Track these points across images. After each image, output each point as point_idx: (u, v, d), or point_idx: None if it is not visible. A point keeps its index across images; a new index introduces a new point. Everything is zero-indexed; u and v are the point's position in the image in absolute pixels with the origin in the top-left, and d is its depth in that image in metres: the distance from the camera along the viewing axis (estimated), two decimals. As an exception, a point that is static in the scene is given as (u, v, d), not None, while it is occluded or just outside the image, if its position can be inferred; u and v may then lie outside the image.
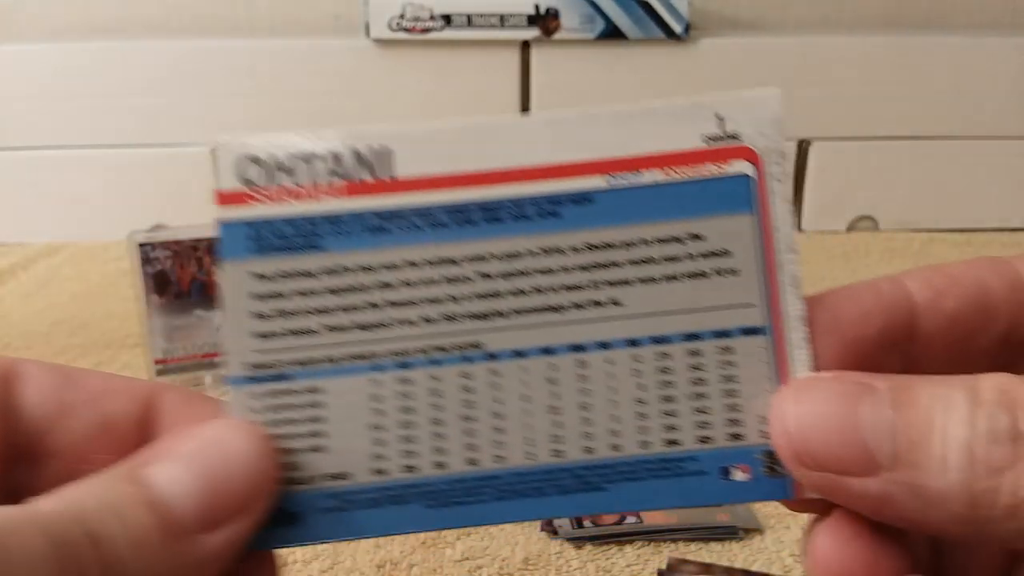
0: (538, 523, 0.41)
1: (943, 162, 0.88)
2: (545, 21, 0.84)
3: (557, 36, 0.84)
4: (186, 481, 0.15)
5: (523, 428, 0.17)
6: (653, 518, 0.41)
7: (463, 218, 0.17)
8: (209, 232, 0.57)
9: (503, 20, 0.84)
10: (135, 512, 0.14)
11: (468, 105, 0.87)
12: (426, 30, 0.84)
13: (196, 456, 0.15)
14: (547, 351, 0.17)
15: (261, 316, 0.17)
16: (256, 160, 0.17)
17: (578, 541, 0.39)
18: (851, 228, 0.90)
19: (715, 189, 0.17)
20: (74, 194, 0.89)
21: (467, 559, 0.39)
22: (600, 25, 0.84)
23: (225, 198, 0.17)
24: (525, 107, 0.88)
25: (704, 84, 0.85)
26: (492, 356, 0.17)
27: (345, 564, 0.38)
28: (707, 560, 0.38)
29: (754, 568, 0.38)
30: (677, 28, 0.84)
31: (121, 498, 0.14)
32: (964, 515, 0.14)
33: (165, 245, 0.56)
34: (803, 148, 0.87)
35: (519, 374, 0.17)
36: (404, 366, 0.17)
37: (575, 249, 0.17)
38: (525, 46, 0.86)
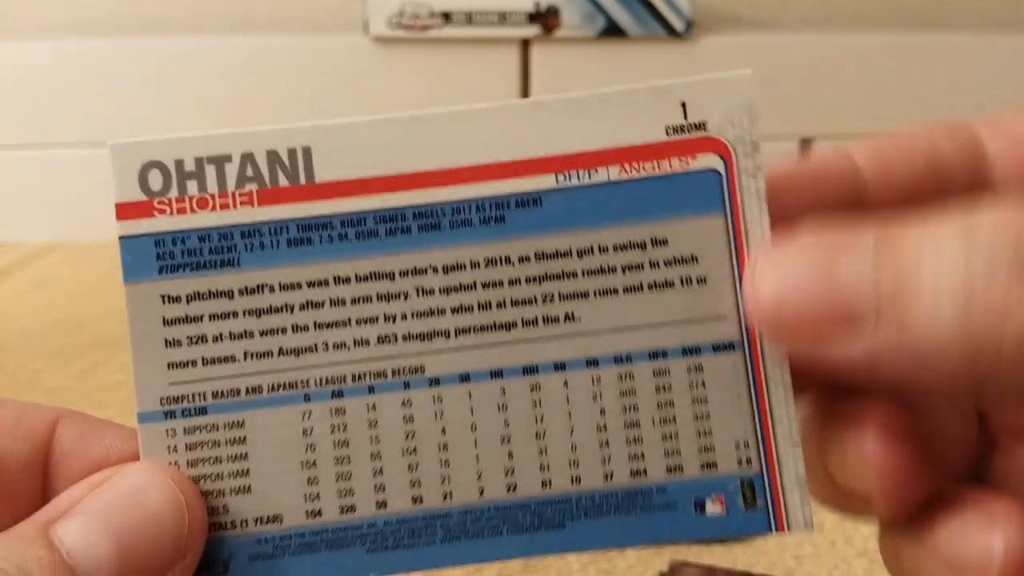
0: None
1: (945, 161, 0.88)
2: (545, 19, 0.83)
3: (557, 34, 0.83)
4: (102, 542, 0.13)
5: (472, 461, 0.16)
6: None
7: (396, 226, 0.15)
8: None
9: (503, 18, 0.83)
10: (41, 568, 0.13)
11: (468, 103, 0.87)
12: (425, 28, 0.83)
13: (112, 512, 0.14)
14: (496, 374, 0.16)
15: (173, 343, 0.16)
16: (158, 165, 0.15)
17: (579, 543, 0.39)
18: (853, 227, 0.90)
19: (680, 187, 0.15)
20: (71, 193, 0.89)
21: (466, 561, 0.38)
22: (601, 23, 0.84)
23: (126, 210, 0.15)
24: (525, 105, 0.87)
25: (705, 82, 0.84)
26: (435, 381, 0.16)
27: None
28: (709, 562, 0.38)
29: (756, 570, 0.38)
30: (679, 26, 0.83)
31: (33, 564, 0.13)
32: (964, 369, 0.12)
33: (162, 244, 0.55)
34: (805, 147, 0.87)
35: (466, 400, 0.16)
36: (337, 395, 0.15)
37: (523, 259, 0.15)
38: (525, 44, 0.85)
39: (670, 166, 0.15)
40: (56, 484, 0.16)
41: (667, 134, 0.16)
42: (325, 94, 0.87)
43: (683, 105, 0.16)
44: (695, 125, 0.15)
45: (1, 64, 0.86)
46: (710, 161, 0.15)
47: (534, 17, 0.83)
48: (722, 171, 0.15)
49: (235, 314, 0.15)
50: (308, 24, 0.87)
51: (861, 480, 0.15)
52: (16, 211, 0.89)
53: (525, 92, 0.87)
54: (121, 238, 0.16)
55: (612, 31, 0.84)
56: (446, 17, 0.83)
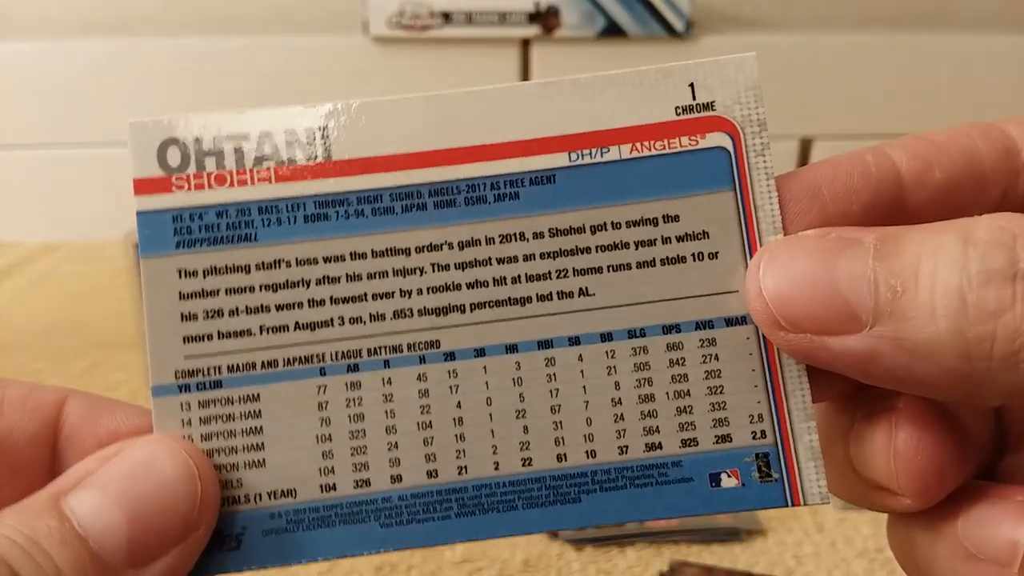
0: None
1: (945, 161, 0.88)
2: (545, 19, 0.83)
3: (557, 34, 0.83)
4: (113, 513, 0.13)
5: (487, 435, 0.16)
6: (655, 520, 0.40)
7: (412, 203, 0.15)
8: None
9: (503, 18, 0.83)
10: (59, 551, 0.13)
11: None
12: (425, 28, 0.83)
13: (123, 482, 0.14)
14: (511, 348, 0.16)
15: (189, 317, 0.15)
16: (176, 143, 0.16)
17: (579, 543, 0.39)
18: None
19: (690, 164, 0.16)
20: (71, 193, 0.89)
21: (466, 561, 0.38)
22: (601, 23, 0.84)
23: (143, 186, 0.16)
24: (525, 105, 0.87)
25: (705, 82, 0.84)
26: (450, 355, 0.16)
27: (344, 566, 0.37)
28: (709, 562, 0.38)
29: (756, 571, 0.38)
30: (679, 26, 0.83)
31: (43, 534, 0.13)
32: (957, 368, 0.13)
33: (162, 244, 0.55)
34: (806, 147, 0.87)
35: (481, 375, 0.16)
36: (352, 369, 0.15)
37: (538, 235, 0.16)
38: (525, 44, 0.85)
39: (680, 144, 0.16)
40: (66, 460, 0.16)
41: (676, 114, 0.16)
42: (325, 94, 0.86)
43: (691, 86, 0.16)
44: (703, 105, 0.16)
45: (1, 64, 0.86)
46: (719, 140, 0.16)
47: (534, 17, 0.83)
48: (731, 149, 0.16)
49: (252, 288, 0.15)
50: (308, 24, 0.87)
51: (889, 473, 0.15)
52: (16, 211, 0.89)
53: (525, 92, 0.87)
54: (139, 213, 0.16)
55: (612, 31, 0.84)
56: (446, 17, 0.83)
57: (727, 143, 0.16)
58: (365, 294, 0.15)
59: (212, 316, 0.15)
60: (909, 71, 0.87)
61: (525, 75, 0.87)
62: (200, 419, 0.15)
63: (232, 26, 0.87)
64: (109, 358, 0.60)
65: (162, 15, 0.87)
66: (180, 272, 0.15)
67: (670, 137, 0.16)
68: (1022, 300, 0.13)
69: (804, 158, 0.87)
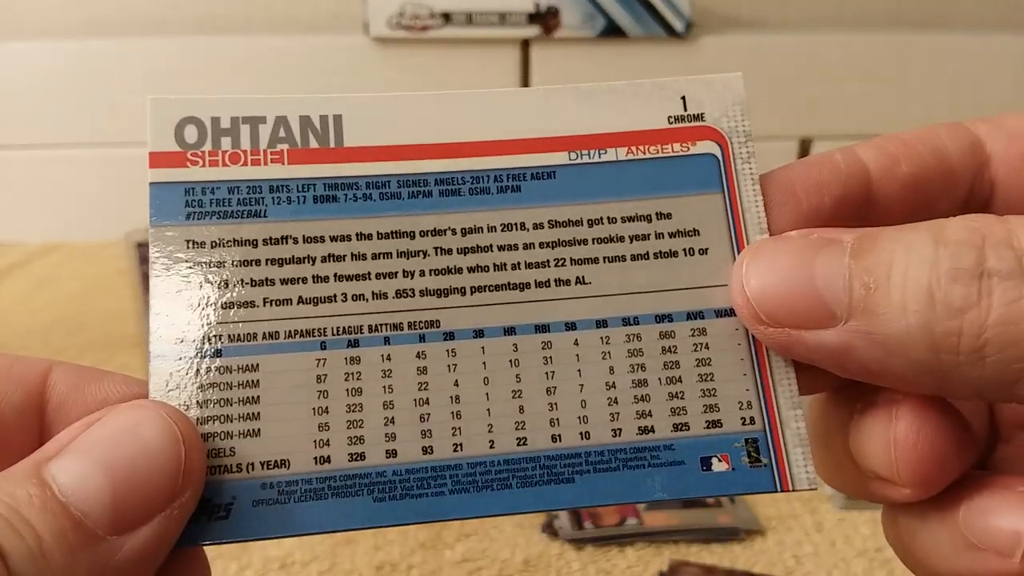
0: (538, 524, 0.40)
1: (945, 161, 0.88)
2: (545, 19, 0.83)
3: (557, 34, 0.84)
4: (96, 478, 0.13)
5: (483, 414, 0.16)
6: (654, 520, 0.40)
7: (419, 190, 0.16)
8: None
9: (503, 18, 0.83)
10: (40, 518, 0.13)
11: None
12: (425, 28, 0.83)
13: (106, 447, 0.14)
14: (509, 331, 0.16)
15: (195, 286, 0.16)
16: (195, 121, 0.16)
17: (578, 543, 0.39)
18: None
19: (682, 168, 0.17)
20: (71, 193, 0.89)
21: (466, 561, 0.38)
22: (601, 23, 0.84)
23: (159, 159, 0.16)
24: (525, 105, 0.87)
25: (705, 82, 0.84)
26: (450, 335, 0.16)
27: (344, 566, 0.38)
28: (709, 562, 0.38)
29: (756, 570, 0.38)
30: (678, 26, 0.83)
31: (23, 502, 0.13)
32: (927, 362, 0.14)
33: (163, 244, 0.55)
34: (805, 147, 0.87)
35: (479, 355, 0.16)
36: (353, 344, 0.16)
37: (537, 225, 0.16)
38: (525, 44, 0.85)
39: (672, 150, 0.17)
40: (53, 430, 0.15)
41: (669, 122, 0.17)
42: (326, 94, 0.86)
43: (683, 99, 0.17)
44: (694, 116, 0.17)
45: (1, 64, 0.86)
46: (708, 147, 0.17)
47: (534, 17, 0.83)
48: (719, 156, 0.17)
49: (258, 262, 0.16)
50: (308, 24, 0.87)
51: (889, 464, 0.15)
52: (16, 211, 0.89)
53: (525, 92, 0.87)
54: (152, 184, 0.16)
55: (612, 31, 0.84)
56: (446, 17, 0.83)
57: (716, 150, 0.17)
58: (368, 273, 0.16)
59: (217, 287, 0.16)
60: (909, 71, 0.87)
61: (525, 75, 0.87)
62: (197, 385, 0.15)
63: (232, 26, 0.87)
64: (109, 358, 0.60)
65: (162, 15, 0.87)
66: (188, 243, 0.16)
67: (664, 143, 0.17)
68: (987, 297, 0.13)
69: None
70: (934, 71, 0.87)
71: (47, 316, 0.69)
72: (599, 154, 0.16)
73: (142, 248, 0.55)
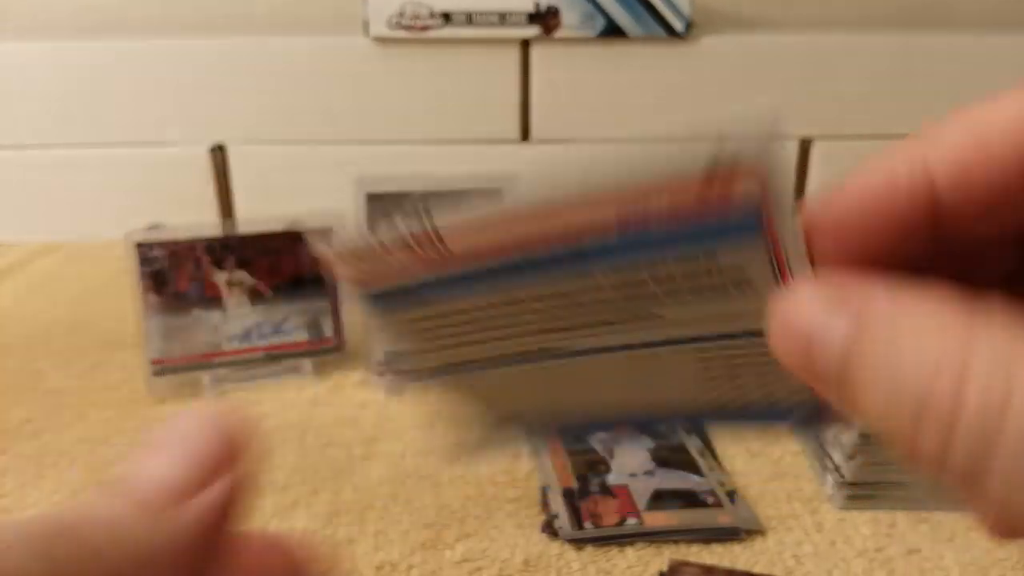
0: (538, 525, 0.40)
1: (945, 161, 0.88)
2: (545, 19, 0.83)
3: (557, 34, 0.84)
4: (159, 459, 0.15)
5: (605, 389, 0.22)
6: (654, 520, 0.40)
7: (514, 272, 0.20)
8: (206, 232, 0.57)
9: (503, 18, 0.83)
10: (105, 498, 0.15)
11: (468, 104, 0.87)
12: (425, 28, 0.83)
13: (169, 439, 0.16)
14: (604, 350, 0.21)
15: (401, 340, 0.22)
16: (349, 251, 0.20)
17: (578, 543, 0.39)
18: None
19: (723, 213, 0.18)
20: (72, 193, 0.89)
21: (466, 561, 0.38)
22: (601, 23, 0.84)
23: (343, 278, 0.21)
24: (525, 106, 0.87)
25: (706, 83, 0.84)
26: (567, 355, 0.22)
27: (344, 566, 0.38)
28: (709, 562, 0.38)
29: (756, 570, 0.38)
30: (678, 26, 0.83)
31: (92, 496, 0.15)
32: (909, 426, 0.13)
33: (162, 245, 0.55)
34: (805, 147, 0.87)
35: (600, 360, 0.21)
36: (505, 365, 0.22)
37: (608, 282, 0.19)
38: (525, 44, 0.85)
39: (713, 196, 0.17)
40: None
41: (707, 169, 0.17)
42: (325, 94, 0.87)
43: (717, 143, 0.17)
44: (730, 158, 0.17)
45: (1, 64, 0.86)
46: (747, 187, 0.17)
47: (534, 17, 0.83)
48: (757, 195, 0.17)
49: (431, 326, 0.22)
50: (308, 24, 0.87)
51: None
52: (16, 211, 0.89)
53: (525, 92, 0.87)
54: (357, 296, 0.21)
55: (612, 31, 0.84)
56: (446, 17, 0.83)
57: (754, 190, 0.17)
58: (499, 324, 0.21)
59: (418, 338, 0.22)
60: (909, 71, 0.87)
61: (525, 75, 0.87)
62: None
63: (232, 26, 0.87)
64: (109, 358, 0.60)
65: (162, 16, 0.87)
66: (392, 320, 0.22)
67: (704, 191, 0.18)
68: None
69: (804, 158, 0.87)
70: (934, 71, 0.87)
71: (47, 316, 0.69)
72: (645, 227, 0.18)
73: (142, 248, 0.55)
